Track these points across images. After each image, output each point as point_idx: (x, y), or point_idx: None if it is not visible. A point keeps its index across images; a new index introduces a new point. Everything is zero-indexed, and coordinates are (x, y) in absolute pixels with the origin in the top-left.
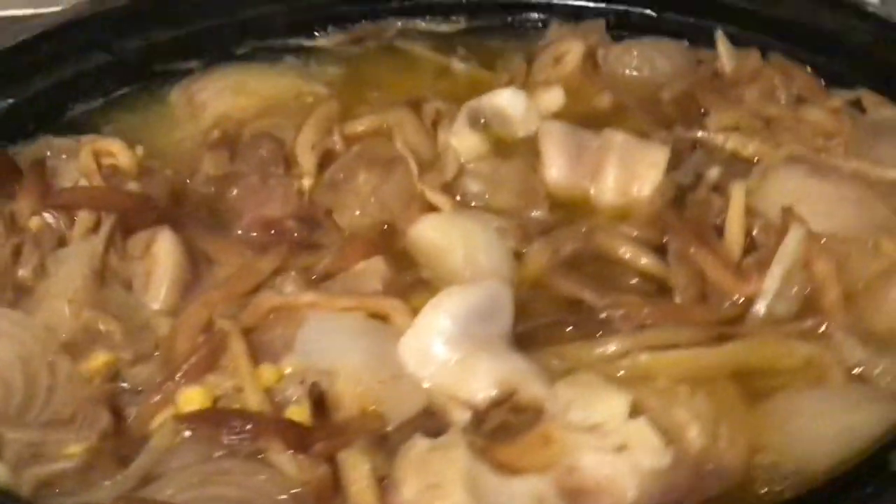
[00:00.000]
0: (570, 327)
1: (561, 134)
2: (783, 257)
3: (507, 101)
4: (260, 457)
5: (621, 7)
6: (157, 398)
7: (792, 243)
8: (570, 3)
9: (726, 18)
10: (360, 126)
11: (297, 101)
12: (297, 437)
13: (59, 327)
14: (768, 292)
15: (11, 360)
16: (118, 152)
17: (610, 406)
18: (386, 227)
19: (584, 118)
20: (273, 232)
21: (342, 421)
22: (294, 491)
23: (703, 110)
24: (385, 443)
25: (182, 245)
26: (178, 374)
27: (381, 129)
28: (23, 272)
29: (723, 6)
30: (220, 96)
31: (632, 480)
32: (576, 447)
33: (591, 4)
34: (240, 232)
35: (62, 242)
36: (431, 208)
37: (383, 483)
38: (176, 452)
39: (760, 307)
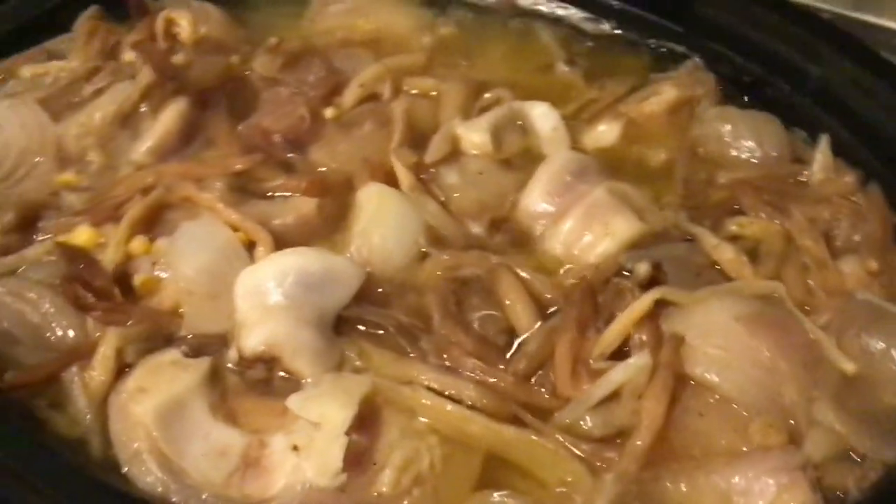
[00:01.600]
0: (392, 334)
1: (559, 168)
2: (613, 377)
3: (537, 115)
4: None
5: (761, 69)
6: (62, 222)
7: (628, 368)
8: (716, 47)
9: (853, 129)
10: (414, 84)
11: (400, 41)
12: (81, 299)
13: (65, 139)
14: (581, 403)
15: (15, 145)
16: (184, 26)
17: (334, 413)
18: (345, 178)
19: (626, 165)
20: (261, 140)
21: (141, 306)
22: (69, 339)
23: (737, 207)
24: (167, 341)
25: (188, 118)
26: (85, 213)
27: (428, 94)
28: (87, 88)
29: (851, 114)
30: (344, 11)
31: (284, 478)
32: (284, 429)
33: (737, 58)
34: (240, 128)
35: None
36: (393, 179)
37: (125, 369)
38: (42, 267)
39: (567, 413)
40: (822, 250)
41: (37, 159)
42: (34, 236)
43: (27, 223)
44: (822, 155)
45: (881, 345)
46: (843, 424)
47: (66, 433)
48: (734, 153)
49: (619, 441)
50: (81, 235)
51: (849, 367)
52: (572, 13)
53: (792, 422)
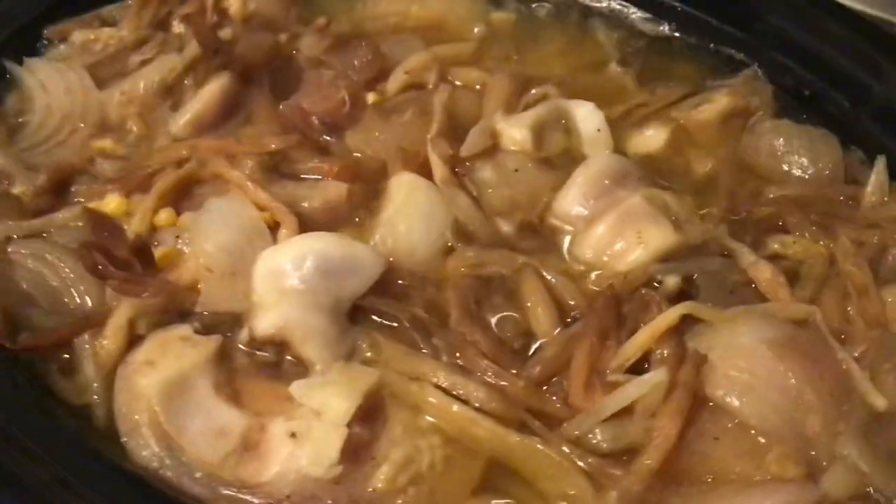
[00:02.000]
0: (407, 328)
1: (597, 170)
2: (627, 392)
3: (581, 115)
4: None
5: (822, 83)
6: (94, 189)
7: (643, 384)
8: (777, 57)
9: None
10: (460, 75)
11: (452, 29)
12: (98, 266)
13: (108, 107)
14: (592, 415)
15: (58, 109)
16: (232, 1)
17: (336, 403)
18: (380, 165)
19: (671, 172)
20: (300, 121)
21: (159, 279)
22: (86, 306)
23: (781, 224)
24: (182, 316)
25: (230, 94)
26: (117, 181)
27: (473, 86)
28: (135, 58)
29: None
30: None
31: (278, 465)
32: (286, 415)
33: (799, 69)
34: (281, 107)
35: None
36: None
37: (138, 340)
38: (69, 232)
39: (577, 424)
40: (867, 277)
41: (78, 124)
42: (66, 201)
43: (60, 187)
44: (876, 177)
45: None
46: (867, 462)
47: (73, 400)
48: (785, 168)
49: (626, 458)
50: (110, 203)
51: (880, 402)
52: (632, 12)
53: (813, 454)
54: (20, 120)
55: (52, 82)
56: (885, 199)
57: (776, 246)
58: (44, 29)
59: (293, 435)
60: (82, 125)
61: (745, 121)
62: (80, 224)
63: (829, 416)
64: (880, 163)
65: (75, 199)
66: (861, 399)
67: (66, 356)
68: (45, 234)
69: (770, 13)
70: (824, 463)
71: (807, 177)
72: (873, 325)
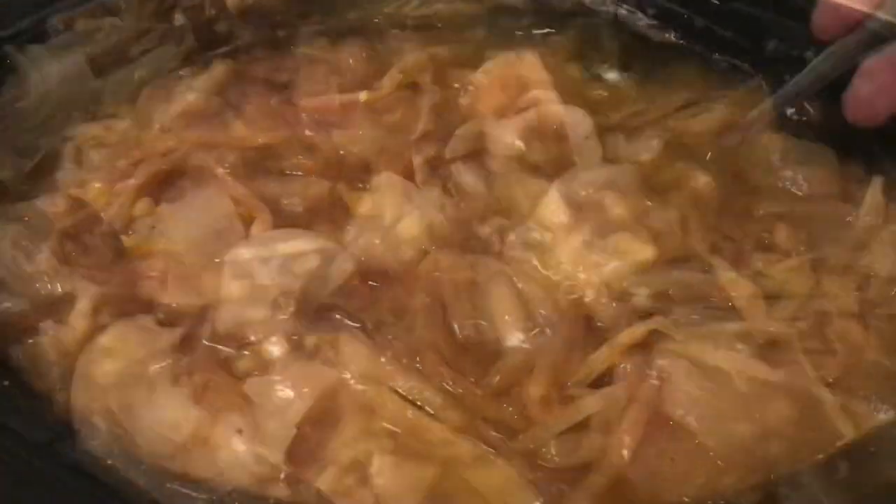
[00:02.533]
0: (371, 330)
1: (582, 179)
2: (583, 406)
3: (571, 121)
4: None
5: (825, 96)
6: (79, 176)
7: (599, 399)
8: (782, 69)
9: None
10: (456, 76)
11: (455, 30)
12: (69, 253)
13: (102, 96)
14: (547, 429)
15: (54, 96)
16: None
17: (288, 402)
18: (364, 164)
19: (660, 183)
20: (290, 117)
21: (129, 269)
22: (57, 292)
23: (768, 242)
24: (149, 306)
25: (223, 87)
26: (101, 170)
27: (467, 88)
28: (135, 48)
29: None
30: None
31: (223, 461)
32: (240, 411)
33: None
34: (272, 102)
35: None
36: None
37: (101, 325)
38: (49, 218)
39: (531, 437)
40: (850, 301)
41: (72, 112)
42: (51, 186)
43: (46, 173)
44: (871, 197)
45: (892, 413)
46: (827, 494)
47: (36, 386)
48: (779, 184)
49: (578, 474)
50: (92, 191)
51: (848, 430)
52: (638, 18)
53: (772, 482)
54: (16, 105)
55: (50, 70)
56: (880, 221)
57: (760, 264)
58: (50, 17)
59: (240, 431)
60: (76, 113)
61: (746, 131)
62: (62, 211)
63: (793, 444)
64: (876, 183)
65: (60, 186)
66: (830, 427)
67: (31, 341)
68: (26, 219)
69: (777, 25)
70: (783, 492)
71: (800, 194)
72: (853, 352)
